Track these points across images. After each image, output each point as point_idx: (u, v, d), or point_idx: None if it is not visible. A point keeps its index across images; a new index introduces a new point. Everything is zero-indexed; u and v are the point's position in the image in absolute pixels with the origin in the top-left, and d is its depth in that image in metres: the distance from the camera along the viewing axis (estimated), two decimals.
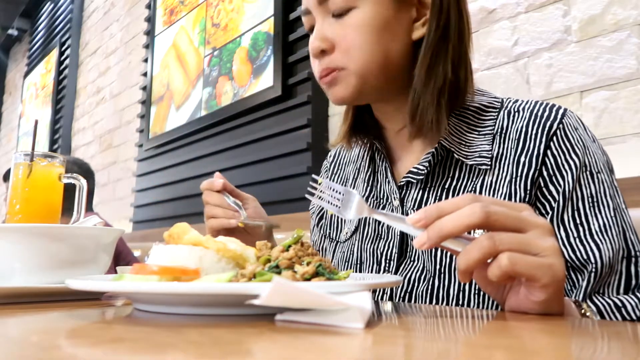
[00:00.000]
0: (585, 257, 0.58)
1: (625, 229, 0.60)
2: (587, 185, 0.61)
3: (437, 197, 0.66)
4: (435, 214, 0.43)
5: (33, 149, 0.77)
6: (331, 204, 0.52)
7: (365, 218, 0.75)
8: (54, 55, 4.44)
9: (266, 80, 2.11)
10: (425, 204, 0.67)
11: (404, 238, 0.69)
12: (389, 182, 0.73)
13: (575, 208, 0.60)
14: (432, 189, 0.67)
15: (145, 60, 3.08)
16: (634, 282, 0.58)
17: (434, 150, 0.66)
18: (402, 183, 0.70)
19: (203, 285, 0.37)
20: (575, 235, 0.59)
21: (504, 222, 0.42)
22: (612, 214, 0.60)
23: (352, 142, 0.78)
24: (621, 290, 0.58)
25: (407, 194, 0.70)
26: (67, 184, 0.80)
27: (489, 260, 0.42)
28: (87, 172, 2.07)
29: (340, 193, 0.51)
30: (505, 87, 1.33)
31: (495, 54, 1.37)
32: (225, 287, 0.36)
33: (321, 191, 0.53)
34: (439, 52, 0.65)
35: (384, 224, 0.72)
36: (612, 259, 0.57)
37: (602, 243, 0.58)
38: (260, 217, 0.85)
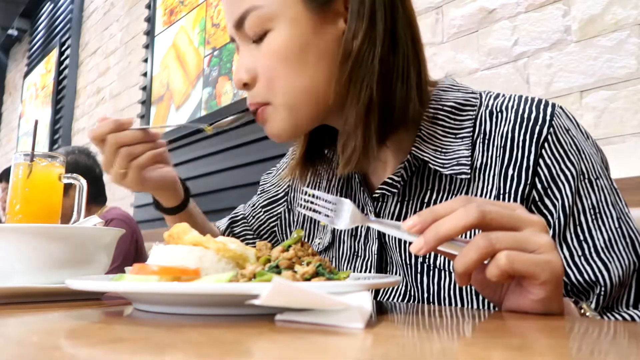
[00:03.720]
0: (593, 278, 0.54)
1: (634, 238, 0.56)
2: (587, 195, 0.56)
3: (416, 212, 0.62)
4: (431, 218, 0.42)
5: (33, 149, 0.77)
6: (322, 214, 0.49)
7: (341, 233, 0.70)
8: (53, 55, 4.44)
9: None
10: (404, 219, 0.63)
11: (383, 257, 0.65)
12: (363, 191, 0.67)
13: (577, 223, 0.56)
14: (411, 202, 0.63)
15: (145, 61, 3.07)
16: None
17: (406, 162, 0.61)
18: (377, 195, 0.64)
19: (203, 285, 0.37)
20: (580, 253, 0.55)
21: (499, 221, 0.42)
22: (617, 225, 0.56)
23: (314, 166, 0.70)
24: (630, 302, 0.55)
25: (383, 207, 0.65)
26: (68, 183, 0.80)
27: (485, 262, 0.42)
28: (95, 161, 2.06)
29: (332, 203, 0.49)
30: (505, 87, 1.33)
31: (495, 54, 1.37)
32: (225, 287, 0.36)
33: (313, 202, 0.50)
34: (358, 67, 0.56)
35: (359, 241, 0.68)
36: (622, 277, 0.54)
37: (610, 261, 0.54)
38: (166, 179, 0.77)
